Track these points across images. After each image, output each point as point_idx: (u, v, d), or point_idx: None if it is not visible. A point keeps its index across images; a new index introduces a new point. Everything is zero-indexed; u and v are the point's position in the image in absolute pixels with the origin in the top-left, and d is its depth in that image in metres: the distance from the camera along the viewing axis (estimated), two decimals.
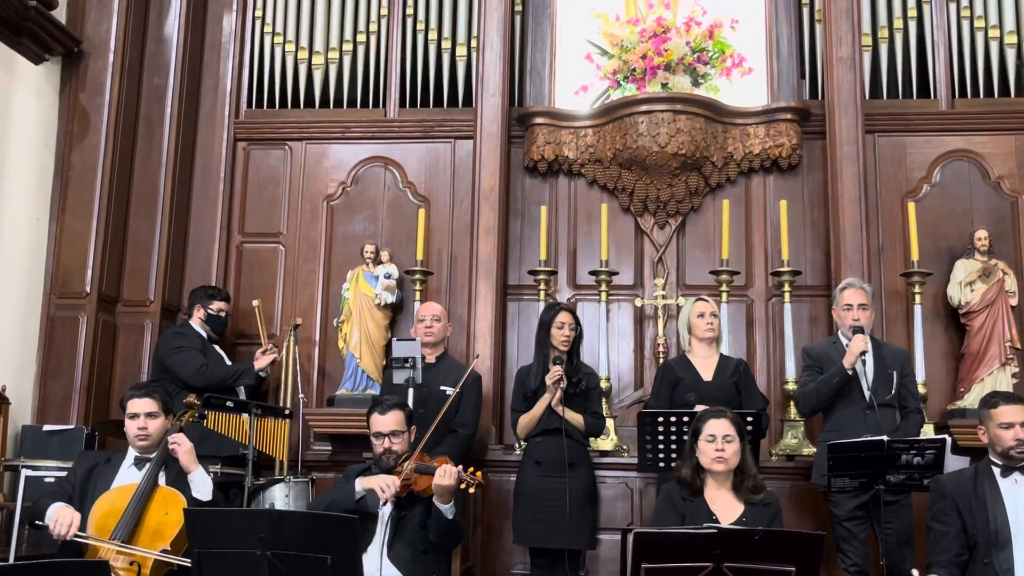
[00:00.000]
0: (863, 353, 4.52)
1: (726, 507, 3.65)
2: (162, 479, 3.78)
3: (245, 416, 4.87)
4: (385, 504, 3.78)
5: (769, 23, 6.44)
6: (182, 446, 3.81)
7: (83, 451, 4.38)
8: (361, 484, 3.87)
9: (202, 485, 3.83)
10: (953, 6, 6.16)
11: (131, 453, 3.92)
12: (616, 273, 5.97)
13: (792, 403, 5.56)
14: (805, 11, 6.35)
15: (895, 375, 4.60)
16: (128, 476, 3.84)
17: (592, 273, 5.93)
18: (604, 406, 5.34)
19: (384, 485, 3.77)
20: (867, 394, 4.55)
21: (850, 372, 4.54)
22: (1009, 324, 5.54)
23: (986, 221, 5.87)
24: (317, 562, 3.02)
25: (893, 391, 4.59)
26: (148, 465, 3.78)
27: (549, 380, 4.59)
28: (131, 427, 3.87)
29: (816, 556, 2.94)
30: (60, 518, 3.58)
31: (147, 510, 3.64)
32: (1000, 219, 5.93)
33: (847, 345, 4.63)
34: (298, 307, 6.21)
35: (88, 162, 5.91)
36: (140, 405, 3.86)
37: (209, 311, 5.49)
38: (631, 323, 6.19)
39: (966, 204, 5.99)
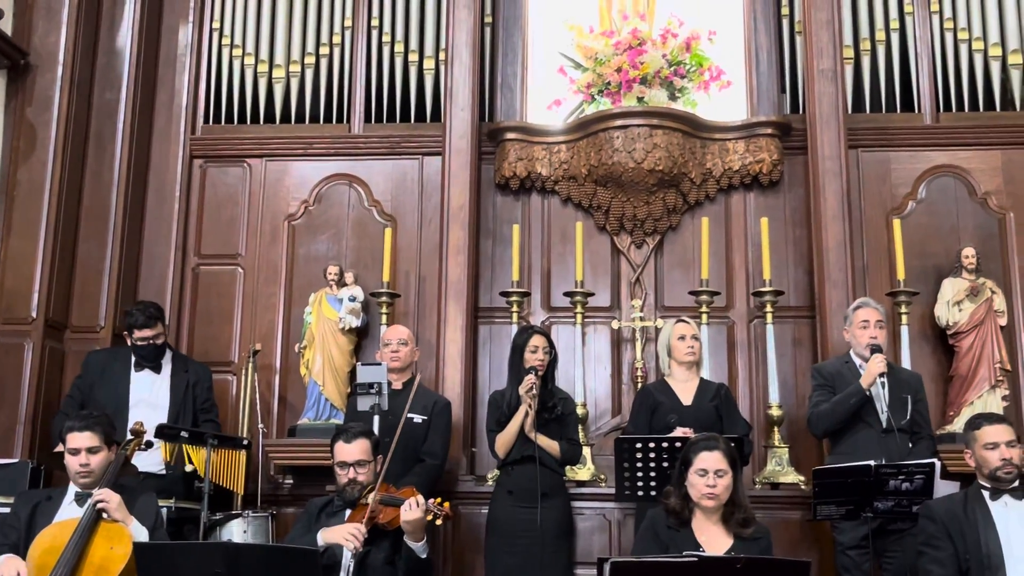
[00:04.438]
0: (882, 374, 4.56)
1: (715, 540, 3.62)
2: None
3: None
4: (356, 554, 3.73)
5: (748, 35, 6.51)
6: (110, 503, 3.71)
7: (22, 491, 4.30)
8: (323, 537, 3.81)
9: (138, 537, 3.72)
10: (936, 18, 6.27)
11: (72, 489, 3.86)
12: (592, 294, 5.97)
13: (775, 428, 5.58)
14: (785, 23, 6.44)
15: (909, 400, 4.64)
16: (69, 513, 3.79)
17: (567, 295, 5.94)
18: (580, 433, 5.34)
19: (349, 535, 3.72)
20: (883, 417, 4.59)
21: (868, 393, 4.58)
22: (998, 345, 5.61)
23: (973, 239, 5.95)
24: None
25: (908, 416, 4.63)
26: (87, 506, 3.71)
27: (522, 390, 4.58)
28: (72, 463, 3.82)
29: None
30: (4, 572, 3.51)
31: (90, 545, 3.59)
32: (988, 236, 6.01)
33: (860, 366, 4.68)
34: (257, 332, 6.16)
35: (35, 180, 5.86)
36: (80, 439, 3.80)
37: (133, 342, 5.16)
38: (608, 347, 6.19)
39: (953, 221, 6.06)
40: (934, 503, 3.97)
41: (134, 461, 4.76)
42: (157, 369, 5.19)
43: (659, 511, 3.77)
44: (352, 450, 3.97)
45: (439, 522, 3.82)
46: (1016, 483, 3.83)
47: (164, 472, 4.95)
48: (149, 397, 5.11)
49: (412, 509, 3.74)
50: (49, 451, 5.46)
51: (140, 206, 6.32)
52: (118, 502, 3.72)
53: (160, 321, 5.18)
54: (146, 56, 6.39)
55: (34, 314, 5.70)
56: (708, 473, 3.61)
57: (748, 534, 3.62)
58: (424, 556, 3.82)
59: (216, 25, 6.61)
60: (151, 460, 4.86)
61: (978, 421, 3.96)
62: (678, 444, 4.18)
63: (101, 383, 5.14)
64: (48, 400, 5.69)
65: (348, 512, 3.92)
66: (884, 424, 4.59)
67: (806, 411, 5.77)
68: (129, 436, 4.24)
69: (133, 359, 5.17)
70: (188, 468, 4.93)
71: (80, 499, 3.79)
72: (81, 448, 3.79)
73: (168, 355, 5.28)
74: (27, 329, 5.68)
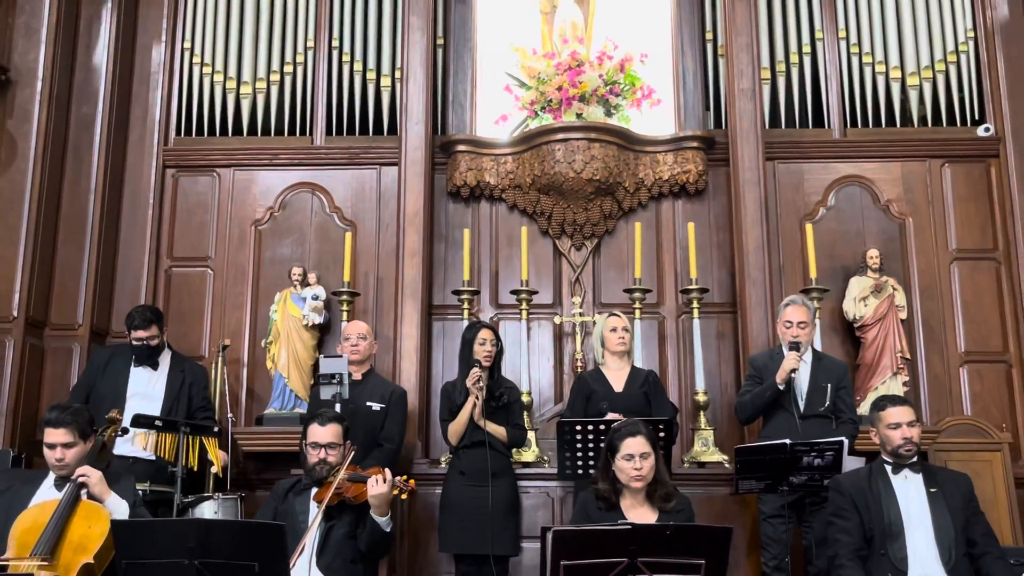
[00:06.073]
0: (793, 371, 4.62)
1: (642, 517, 3.63)
2: (84, 494, 3.67)
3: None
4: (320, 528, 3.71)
5: (676, 57, 6.59)
6: (91, 477, 3.68)
7: (2, 471, 4.22)
8: None
9: (118, 512, 3.70)
10: (843, 43, 6.41)
11: (52, 474, 3.81)
12: (536, 293, 6.01)
13: (701, 412, 5.66)
14: (709, 46, 6.53)
15: (830, 387, 4.70)
16: (47, 495, 3.73)
17: (513, 293, 5.97)
18: (526, 419, 5.36)
19: None
20: (801, 404, 4.65)
21: (781, 387, 4.63)
22: (899, 336, 5.74)
23: (877, 241, 6.09)
24: (244, 569, 2.97)
25: (828, 402, 4.68)
26: (70, 484, 3.67)
27: (469, 382, 4.60)
28: (49, 456, 3.76)
29: (724, 548, 2.98)
30: None
31: (69, 524, 3.53)
32: (889, 240, 6.15)
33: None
34: (226, 329, 6.10)
35: (15, 188, 5.76)
36: (56, 436, 3.74)
37: (131, 340, 5.13)
38: (551, 340, 6.23)
39: (859, 226, 6.19)
40: (842, 477, 4.03)
41: (133, 449, 4.84)
42: (155, 366, 5.13)
43: (589, 494, 3.76)
44: (325, 432, 3.96)
45: (404, 496, 3.84)
46: (915, 458, 3.90)
47: (153, 458, 4.89)
48: (145, 390, 5.06)
49: (379, 484, 3.74)
50: (30, 439, 5.38)
51: (116, 212, 6.23)
52: (98, 477, 3.69)
53: (156, 324, 5.13)
54: (121, 73, 6.31)
55: (15, 313, 5.59)
56: (634, 457, 3.61)
57: (670, 507, 3.64)
58: (388, 530, 3.82)
59: (187, 45, 6.54)
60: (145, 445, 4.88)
61: (882, 403, 4.01)
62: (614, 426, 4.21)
63: (103, 376, 5.09)
64: (28, 393, 5.60)
65: (315, 489, 3.90)
66: (803, 410, 4.64)
67: (730, 397, 5.92)
68: (106, 423, 4.18)
69: (133, 356, 5.13)
70: (213, 469, 5.00)
71: (59, 483, 3.74)
72: (57, 444, 3.73)
73: (167, 355, 5.22)
74: (8, 327, 5.57)
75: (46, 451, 3.76)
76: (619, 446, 3.65)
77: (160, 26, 6.54)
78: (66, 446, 3.73)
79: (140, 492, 4.51)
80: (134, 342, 5.10)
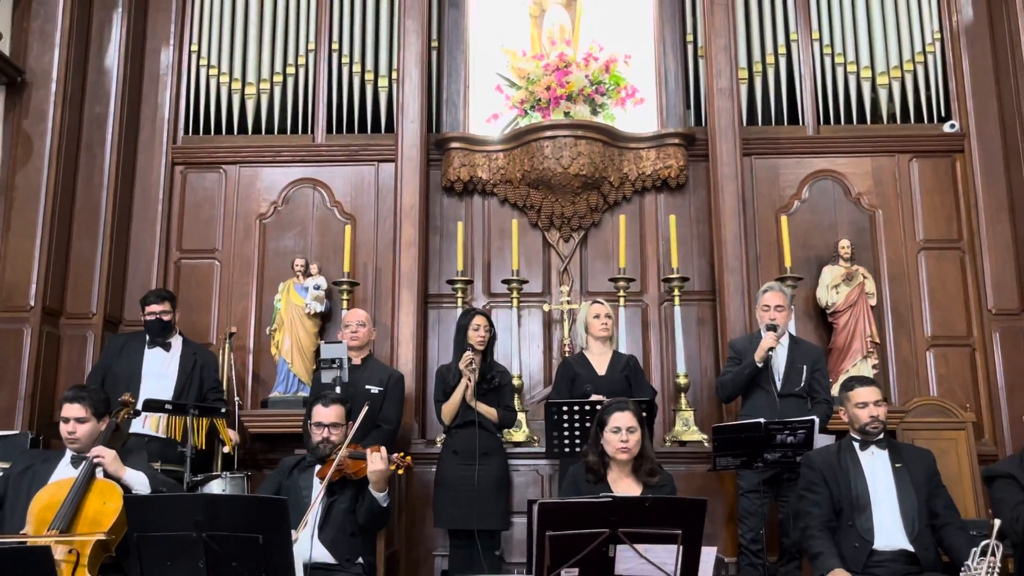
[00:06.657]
0: (770, 349, 4.66)
1: (627, 490, 3.66)
2: (100, 473, 3.69)
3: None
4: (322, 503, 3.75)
5: (658, 58, 6.61)
6: (106, 457, 3.69)
7: (23, 451, 4.25)
8: None
9: (137, 483, 3.74)
10: (817, 44, 6.43)
11: (68, 452, 3.84)
12: (526, 282, 6.04)
13: (682, 394, 5.70)
14: (689, 48, 6.54)
15: (806, 369, 4.74)
16: (65, 473, 3.75)
17: (504, 282, 6.00)
18: (516, 401, 5.39)
19: None
20: (778, 384, 4.69)
21: (759, 365, 4.67)
22: (869, 322, 5.79)
23: (848, 232, 6.12)
24: (249, 541, 2.98)
25: (803, 383, 4.72)
26: (85, 462, 3.70)
27: (462, 364, 4.62)
28: (63, 429, 3.80)
29: (700, 519, 2.99)
30: None
31: (85, 501, 3.55)
32: (860, 230, 6.19)
33: None
34: (233, 318, 6.14)
35: (32, 184, 5.77)
36: (70, 410, 3.78)
37: (144, 317, 5.21)
38: (540, 327, 6.26)
39: (831, 217, 6.23)
40: (813, 453, 4.04)
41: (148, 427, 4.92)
42: (167, 348, 5.18)
43: (579, 467, 3.80)
44: (329, 413, 3.98)
45: (401, 471, 3.86)
46: (882, 436, 3.93)
47: (164, 437, 4.97)
48: (159, 370, 5.11)
49: (377, 460, 3.77)
50: (47, 422, 5.41)
51: (127, 207, 6.25)
52: (112, 456, 3.71)
53: (168, 301, 5.22)
54: (132, 74, 6.31)
55: (32, 303, 5.61)
56: (621, 430, 3.65)
57: (655, 482, 3.67)
58: (385, 505, 3.85)
59: (194, 48, 6.55)
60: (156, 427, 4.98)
61: (851, 383, 4.02)
62: (599, 407, 4.23)
63: (119, 359, 5.14)
64: (45, 378, 5.62)
65: (318, 467, 3.93)
66: (779, 389, 4.68)
67: (709, 380, 5.95)
68: (119, 406, 4.20)
69: (147, 339, 5.17)
70: (225, 450, 5.10)
71: (75, 461, 3.76)
72: (71, 418, 3.77)
73: (179, 339, 5.27)
74: (26, 316, 5.59)
75: (61, 425, 3.80)
76: (607, 420, 3.69)
77: (168, 30, 6.54)
78: (79, 420, 3.76)
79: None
80: (148, 317, 5.14)
